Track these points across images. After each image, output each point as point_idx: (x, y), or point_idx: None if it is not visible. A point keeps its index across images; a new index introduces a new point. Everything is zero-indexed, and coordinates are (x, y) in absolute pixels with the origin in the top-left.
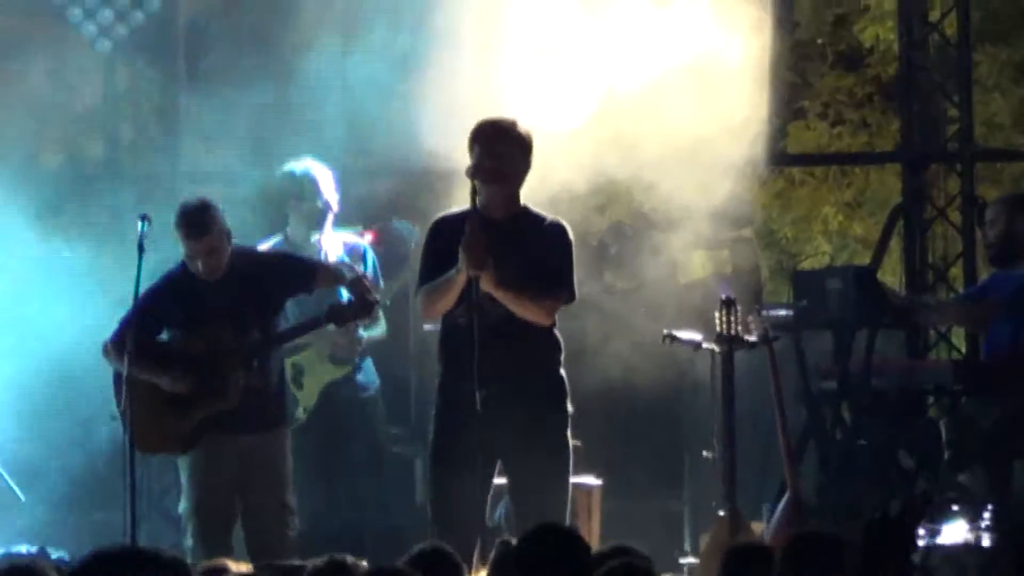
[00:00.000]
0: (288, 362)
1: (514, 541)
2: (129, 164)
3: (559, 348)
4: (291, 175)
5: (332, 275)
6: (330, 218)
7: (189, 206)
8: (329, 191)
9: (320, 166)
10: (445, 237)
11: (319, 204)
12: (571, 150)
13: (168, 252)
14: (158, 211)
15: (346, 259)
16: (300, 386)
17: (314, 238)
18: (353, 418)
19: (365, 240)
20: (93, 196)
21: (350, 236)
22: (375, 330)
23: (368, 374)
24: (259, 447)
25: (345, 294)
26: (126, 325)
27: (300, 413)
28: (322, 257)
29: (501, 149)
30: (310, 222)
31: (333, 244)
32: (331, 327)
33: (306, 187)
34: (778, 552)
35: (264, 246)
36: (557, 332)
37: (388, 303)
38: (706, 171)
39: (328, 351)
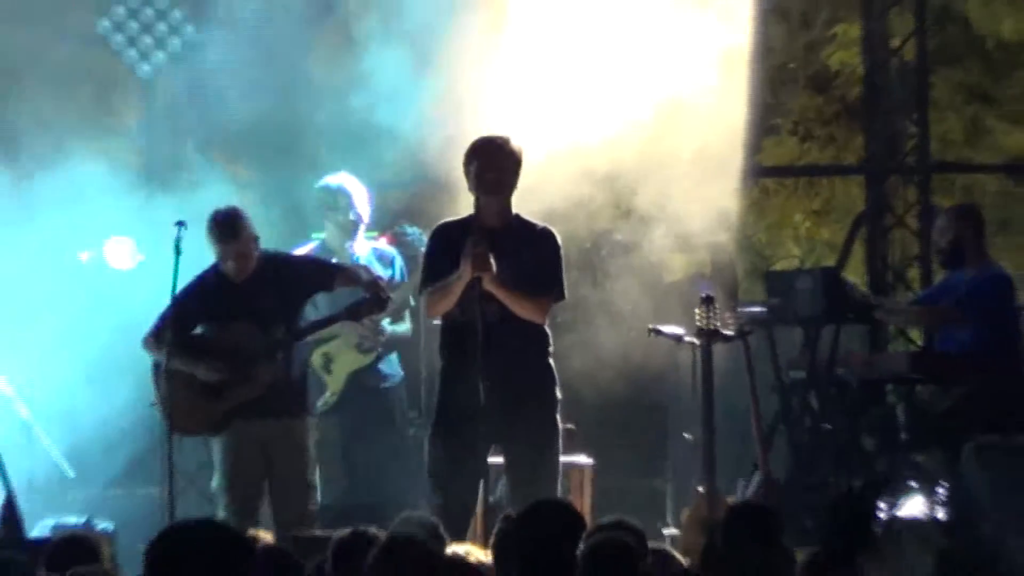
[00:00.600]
0: (320, 351)
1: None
2: (168, 175)
3: (548, 341)
4: (327, 188)
5: (350, 277)
6: (362, 228)
7: (220, 213)
8: (361, 204)
9: (354, 181)
10: (446, 242)
11: (351, 216)
12: (570, 166)
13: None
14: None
15: (376, 264)
16: (329, 372)
17: (347, 244)
18: (375, 402)
19: (381, 243)
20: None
21: (381, 243)
22: (401, 326)
23: (392, 365)
24: (283, 431)
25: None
26: (164, 320)
27: (329, 396)
28: (355, 261)
29: (500, 163)
30: (344, 231)
31: (364, 250)
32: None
33: (340, 200)
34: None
35: (303, 249)
36: (547, 327)
37: (414, 303)
38: (688, 182)
39: (355, 341)
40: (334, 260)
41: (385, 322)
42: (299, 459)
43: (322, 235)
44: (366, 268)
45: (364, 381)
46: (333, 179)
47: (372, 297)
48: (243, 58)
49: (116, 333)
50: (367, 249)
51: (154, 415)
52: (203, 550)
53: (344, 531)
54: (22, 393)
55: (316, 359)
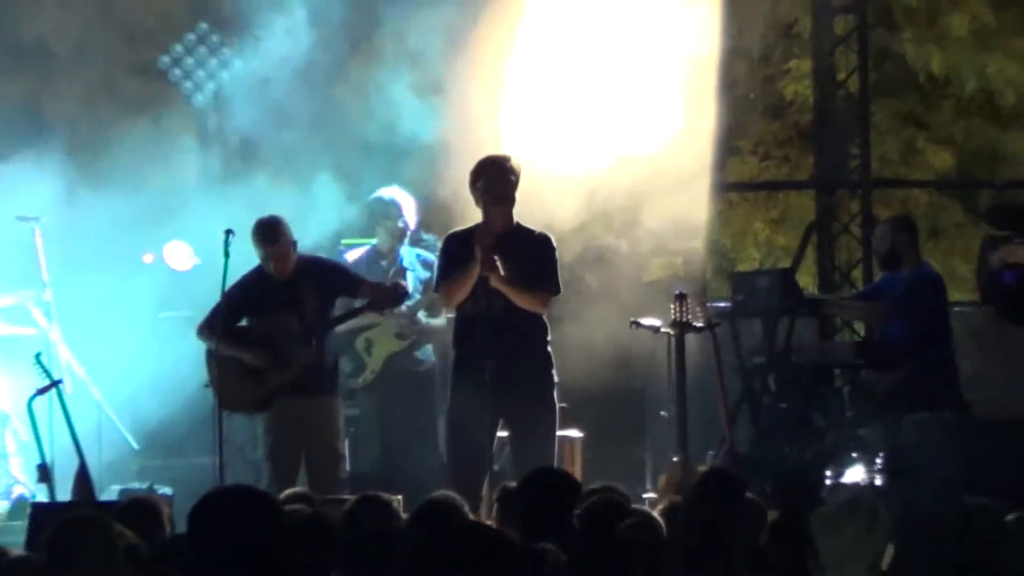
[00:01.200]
0: (363, 336)
1: (514, 484)
2: (219, 189)
3: (546, 331)
4: (380, 199)
5: (370, 289)
6: (408, 235)
7: (263, 221)
8: (409, 213)
9: (403, 193)
10: (456, 247)
11: (400, 224)
12: (566, 183)
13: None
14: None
15: (419, 267)
16: (370, 354)
17: (397, 248)
18: (409, 383)
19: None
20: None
21: (423, 250)
22: (437, 320)
23: (426, 352)
24: (316, 409)
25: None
26: (216, 313)
27: (368, 375)
28: (400, 263)
29: (504, 178)
30: (393, 237)
31: (409, 255)
32: (398, 310)
33: (391, 210)
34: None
35: (355, 253)
36: (545, 318)
37: None
38: (663, 197)
39: (395, 330)
40: (382, 262)
41: (421, 314)
42: (331, 433)
43: (373, 240)
44: (381, 283)
45: (399, 364)
46: (386, 192)
47: (390, 294)
48: (282, 88)
49: (174, 325)
50: (412, 254)
51: (206, 395)
52: (240, 513)
53: (363, 494)
54: (94, 377)
55: (360, 343)
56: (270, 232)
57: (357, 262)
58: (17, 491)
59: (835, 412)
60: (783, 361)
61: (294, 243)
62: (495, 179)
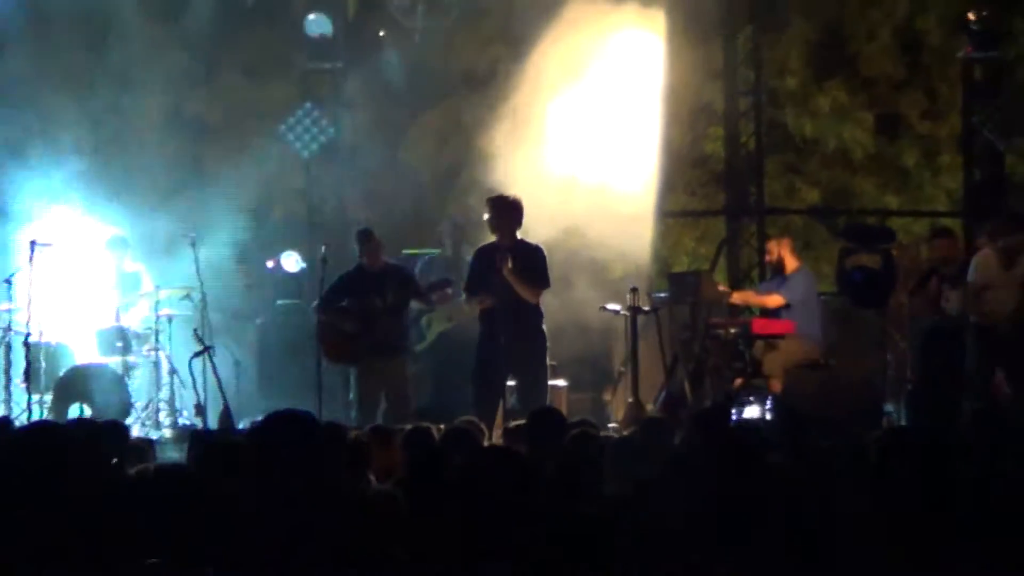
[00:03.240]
0: (425, 317)
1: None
2: (321, 217)
3: (542, 314)
4: (454, 220)
5: (421, 295)
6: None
7: (362, 229)
8: (458, 235)
9: (454, 220)
10: (480, 257)
11: (454, 238)
12: (549, 213)
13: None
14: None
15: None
16: (429, 328)
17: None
18: (454, 350)
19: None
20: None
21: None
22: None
23: (465, 330)
24: (391, 365)
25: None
26: (325, 295)
27: (425, 344)
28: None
29: (496, 215)
30: (455, 246)
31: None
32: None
33: (446, 227)
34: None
35: (424, 258)
36: (541, 306)
37: None
38: (624, 221)
39: (446, 314)
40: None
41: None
42: (402, 382)
43: (437, 251)
44: (435, 284)
45: (448, 337)
46: (449, 218)
47: (436, 289)
48: (365, 146)
49: (287, 309)
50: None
51: (311, 352)
52: (298, 432)
53: (415, 425)
54: (233, 344)
55: (423, 321)
56: (366, 236)
57: (423, 265)
58: (181, 423)
59: (741, 369)
60: (704, 333)
61: (381, 247)
62: (491, 216)
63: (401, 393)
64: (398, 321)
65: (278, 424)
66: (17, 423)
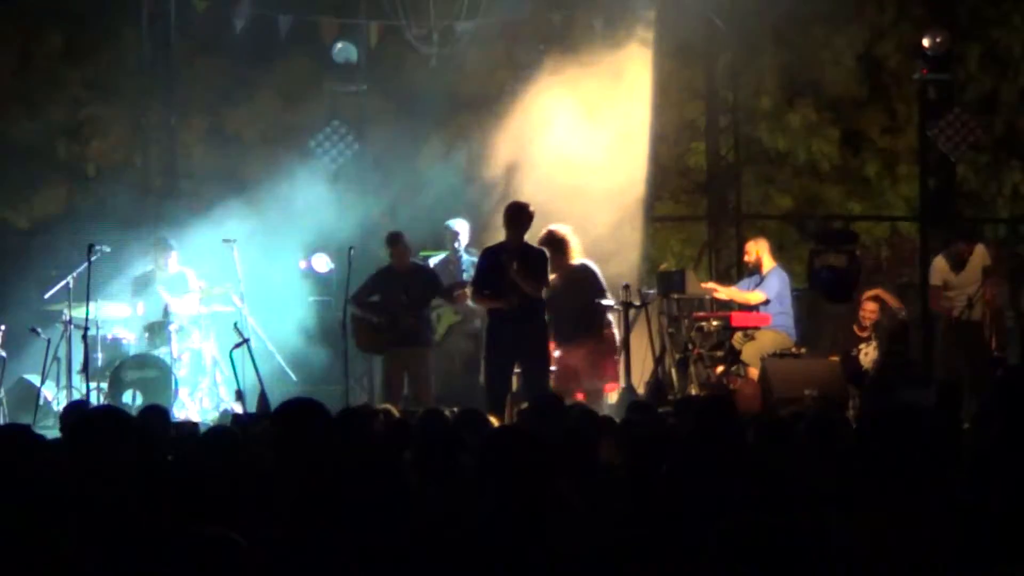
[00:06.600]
0: (436, 311)
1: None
2: (346, 222)
3: (544, 307)
4: (449, 226)
5: (442, 291)
6: (463, 248)
7: (391, 232)
8: (464, 235)
9: (463, 222)
10: (488, 257)
11: (456, 244)
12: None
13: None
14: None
15: (472, 270)
16: (439, 322)
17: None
18: (462, 342)
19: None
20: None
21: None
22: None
23: (473, 324)
24: (414, 353)
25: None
26: (356, 293)
27: (438, 336)
28: (463, 264)
29: (511, 220)
30: (454, 250)
31: (466, 262)
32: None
33: (450, 233)
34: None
35: (436, 259)
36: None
37: None
38: (618, 223)
39: (455, 309)
40: (450, 266)
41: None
42: (425, 369)
43: (445, 252)
44: (452, 284)
45: (457, 329)
46: (453, 221)
47: (449, 290)
48: (386, 159)
49: (318, 305)
50: (468, 261)
51: (339, 343)
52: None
53: (430, 407)
54: (269, 337)
55: (434, 315)
56: (395, 237)
57: (436, 265)
58: (223, 407)
59: (722, 358)
60: (688, 324)
61: (409, 249)
62: (507, 221)
63: (423, 379)
64: (421, 316)
65: (290, 410)
66: None
